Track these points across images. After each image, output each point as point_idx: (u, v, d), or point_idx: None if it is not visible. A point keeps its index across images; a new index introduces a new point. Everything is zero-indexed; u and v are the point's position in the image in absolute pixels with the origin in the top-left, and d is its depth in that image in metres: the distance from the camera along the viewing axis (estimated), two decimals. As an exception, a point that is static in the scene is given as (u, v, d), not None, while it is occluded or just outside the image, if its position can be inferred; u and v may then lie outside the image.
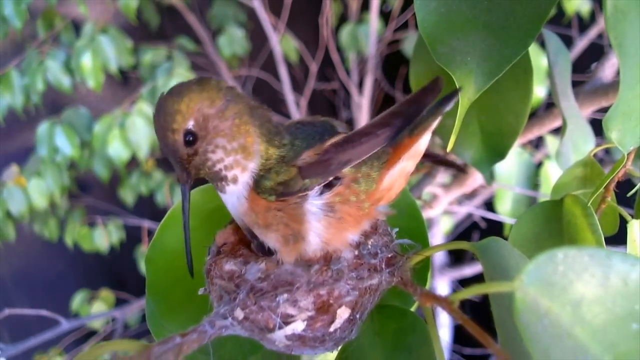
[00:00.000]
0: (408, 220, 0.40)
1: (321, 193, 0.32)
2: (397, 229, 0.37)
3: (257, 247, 0.34)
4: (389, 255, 0.34)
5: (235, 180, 0.33)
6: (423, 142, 0.33)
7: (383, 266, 0.33)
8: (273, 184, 0.32)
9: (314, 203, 0.32)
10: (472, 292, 0.26)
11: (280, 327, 0.30)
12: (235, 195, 0.33)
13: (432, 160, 0.38)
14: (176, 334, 0.29)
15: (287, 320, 0.30)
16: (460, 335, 1.49)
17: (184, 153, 0.32)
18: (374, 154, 0.32)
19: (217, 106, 0.32)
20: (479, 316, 0.36)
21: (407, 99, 0.32)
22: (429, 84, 0.31)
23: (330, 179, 0.32)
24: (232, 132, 0.32)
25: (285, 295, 0.30)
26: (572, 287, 0.22)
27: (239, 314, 0.31)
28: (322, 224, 0.32)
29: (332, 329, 0.31)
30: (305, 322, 0.31)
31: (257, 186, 0.32)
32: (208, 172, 0.33)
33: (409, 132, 0.32)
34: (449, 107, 0.32)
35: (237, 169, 0.33)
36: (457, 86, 0.35)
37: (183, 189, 0.34)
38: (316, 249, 0.33)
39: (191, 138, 0.32)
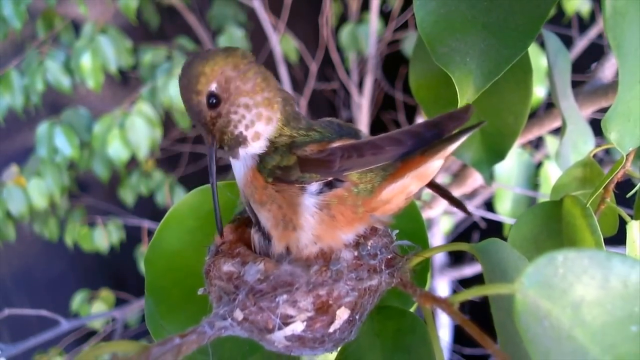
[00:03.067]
0: (408, 222, 0.40)
1: (320, 191, 0.32)
2: (397, 231, 0.37)
3: (255, 225, 0.35)
4: (389, 257, 0.34)
5: (257, 136, 0.33)
6: (433, 166, 0.32)
7: (383, 267, 0.33)
8: (275, 165, 0.32)
9: (310, 199, 0.32)
10: (472, 294, 0.26)
11: (279, 328, 0.30)
12: (244, 161, 0.34)
13: (437, 191, 0.37)
14: (175, 335, 0.29)
15: (286, 321, 0.30)
16: (460, 335, 1.49)
17: (208, 115, 0.33)
18: (381, 165, 0.31)
19: (239, 69, 0.33)
20: (479, 316, 0.36)
21: (429, 121, 0.31)
22: (457, 111, 0.30)
23: (330, 179, 0.32)
24: (254, 90, 0.33)
25: (285, 296, 0.30)
26: (572, 290, 0.22)
27: (239, 314, 0.31)
28: (315, 219, 0.32)
29: (331, 329, 0.31)
30: (305, 323, 0.31)
31: (261, 162, 0.33)
32: (230, 138, 0.34)
33: (420, 152, 0.31)
34: (467, 136, 0.30)
35: (261, 123, 0.33)
36: (456, 87, 0.35)
37: (210, 152, 0.35)
38: (308, 243, 0.33)
39: (214, 101, 0.33)
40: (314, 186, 0.32)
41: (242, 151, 0.34)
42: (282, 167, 0.32)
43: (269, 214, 0.33)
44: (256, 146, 0.34)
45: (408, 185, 0.33)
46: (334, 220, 0.32)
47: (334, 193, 0.32)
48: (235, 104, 0.33)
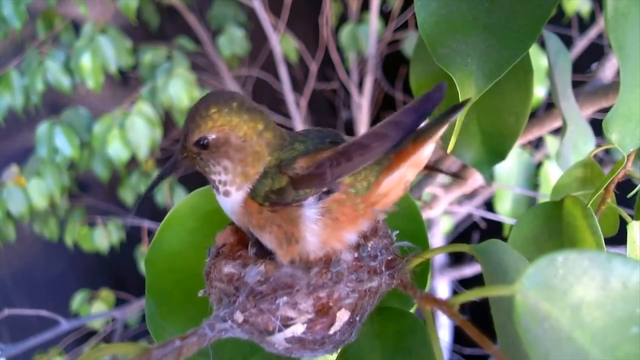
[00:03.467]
0: (408, 223, 0.40)
1: (319, 198, 0.32)
2: (397, 232, 0.36)
3: (253, 244, 0.35)
4: (389, 258, 0.34)
5: (227, 194, 0.33)
6: (426, 151, 0.32)
7: (383, 269, 0.33)
8: (268, 190, 0.32)
9: (310, 209, 0.32)
10: (472, 296, 0.25)
11: (280, 330, 0.30)
12: (229, 199, 0.34)
13: (430, 169, 0.37)
14: (176, 337, 0.29)
15: (286, 323, 0.30)
16: (460, 336, 1.49)
17: (190, 149, 0.33)
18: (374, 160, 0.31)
19: (243, 137, 0.32)
20: (479, 317, 0.36)
21: (406, 108, 0.31)
22: (430, 92, 0.30)
23: (324, 190, 0.32)
24: (241, 160, 0.33)
25: (285, 298, 0.30)
26: (572, 291, 0.22)
27: (239, 316, 0.31)
28: (318, 225, 0.32)
29: (331, 331, 0.31)
30: (305, 325, 0.31)
31: (253, 190, 0.33)
32: (202, 173, 0.34)
33: (412, 140, 0.31)
34: (455, 117, 0.31)
35: (232, 187, 0.33)
36: (457, 87, 0.35)
37: (171, 163, 0.34)
38: (315, 249, 0.32)
39: (205, 142, 0.32)
40: (311, 199, 0.32)
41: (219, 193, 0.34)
42: (275, 190, 0.32)
43: (271, 236, 0.33)
44: (236, 194, 0.33)
45: (405, 175, 0.33)
46: (337, 222, 0.32)
47: (332, 198, 0.32)
48: (217, 161, 0.33)
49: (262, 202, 0.32)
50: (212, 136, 0.32)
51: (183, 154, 0.34)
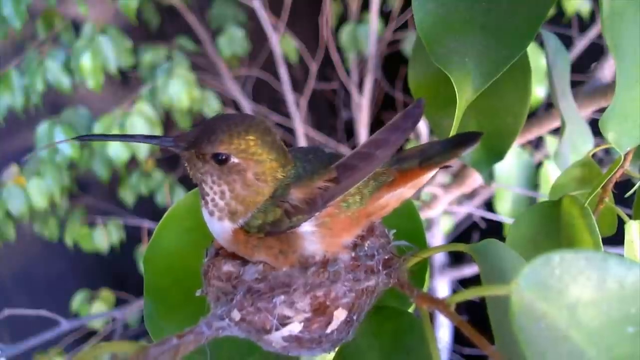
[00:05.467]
0: (406, 222, 0.40)
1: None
2: (394, 230, 0.37)
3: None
4: (386, 257, 0.34)
5: (212, 214, 0.33)
6: (429, 175, 0.33)
7: (380, 268, 0.33)
8: (261, 223, 0.32)
9: (304, 228, 0.32)
10: (468, 295, 0.26)
11: (277, 329, 0.30)
12: (216, 223, 0.33)
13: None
14: (173, 336, 0.29)
15: (284, 321, 0.31)
16: (460, 335, 1.48)
17: (203, 152, 0.31)
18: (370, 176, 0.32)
19: (260, 174, 0.31)
20: (477, 317, 0.36)
21: (389, 125, 0.31)
22: (410, 108, 0.31)
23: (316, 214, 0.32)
24: (239, 197, 0.32)
25: (282, 297, 0.30)
26: (568, 291, 0.22)
27: (236, 315, 0.31)
28: (316, 236, 0.32)
29: (329, 330, 0.31)
30: (302, 324, 0.31)
31: (243, 226, 0.32)
32: (192, 175, 0.33)
33: (419, 163, 0.32)
34: (468, 151, 0.31)
35: (217, 213, 0.32)
36: (455, 87, 0.35)
37: (163, 143, 0.32)
38: (312, 255, 0.33)
39: (223, 159, 0.31)
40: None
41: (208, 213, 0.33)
42: (269, 222, 0.31)
43: (262, 258, 0.32)
44: (226, 221, 0.32)
45: (405, 193, 0.34)
46: (332, 231, 0.32)
47: (325, 213, 0.32)
48: (219, 182, 0.31)
49: (256, 233, 0.32)
50: (235, 160, 0.31)
51: (187, 149, 0.31)
